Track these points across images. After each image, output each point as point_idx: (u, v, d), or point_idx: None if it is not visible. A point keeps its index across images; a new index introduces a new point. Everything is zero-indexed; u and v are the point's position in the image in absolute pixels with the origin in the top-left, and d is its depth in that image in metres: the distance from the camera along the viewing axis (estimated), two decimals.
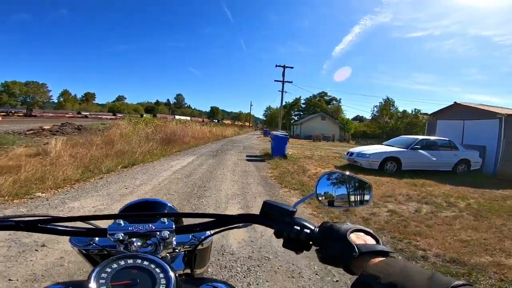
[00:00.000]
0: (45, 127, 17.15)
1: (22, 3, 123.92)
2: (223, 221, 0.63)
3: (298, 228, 0.56)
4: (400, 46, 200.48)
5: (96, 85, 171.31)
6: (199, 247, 0.68)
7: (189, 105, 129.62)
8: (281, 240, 0.58)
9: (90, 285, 0.42)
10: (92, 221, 0.64)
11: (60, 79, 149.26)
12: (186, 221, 0.71)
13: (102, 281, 0.44)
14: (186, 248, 0.68)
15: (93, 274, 0.44)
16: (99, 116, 55.21)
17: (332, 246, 0.53)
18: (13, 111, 48.58)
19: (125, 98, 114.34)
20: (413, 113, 30.68)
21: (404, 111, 31.27)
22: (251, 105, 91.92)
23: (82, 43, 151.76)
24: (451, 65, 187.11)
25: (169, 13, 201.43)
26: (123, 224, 0.58)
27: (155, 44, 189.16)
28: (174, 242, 0.61)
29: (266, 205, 0.61)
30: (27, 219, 0.56)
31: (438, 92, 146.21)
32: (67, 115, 48.46)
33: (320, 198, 0.67)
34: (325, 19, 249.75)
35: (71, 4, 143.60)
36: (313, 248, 0.57)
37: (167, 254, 0.64)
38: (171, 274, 0.46)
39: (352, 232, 0.53)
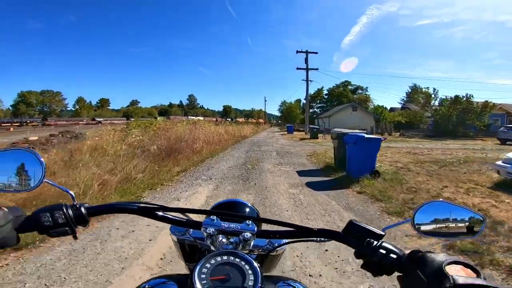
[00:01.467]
0: (31, 139, 14.28)
1: (32, 12, 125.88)
2: (302, 233, 0.63)
3: (384, 252, 0.53)
4: (411, 34, 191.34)
5: (110, 91, 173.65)
6: (273, 253, 0.71)
7: (202, 106, 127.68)
8: None
9: (194, 279, 0.48)
10: (188, 214, 0.71)
11: (73, 87, 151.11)
12: (265, 227, 0.70)
13: (203, 276, 0.49)
14: (260, 251, 0.70)
15: (196, 270, 0.49)
16: (113, 121, 54.07)
17: (420, 276, 0.47)
18: (28, 121, 47.66)
19: (139, 102, 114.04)
20: (465, 98, 25.21)
21: (457, 96, 25.84)
22: (265, 101, 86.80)
23: (92, 50, 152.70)
24: (468, 51, 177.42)
25: (171, 13, 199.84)
26: (215, 220, 0.63)
27: (164, 46, 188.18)
28: (252, 244, 0.64)
29: (352, 225, 0.59)
30: (146, 206, 0.64)
31: (459, 78, 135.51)
32: (81, 122, 47.30)
33: (416, 226, 0.60)
34: (332, 11, 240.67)
35: (79, 11, 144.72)
36: (395, 274, 0.53)
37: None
38: (258, 271, 0.51)
39: (449, 263, 0.47)
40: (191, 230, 0.72)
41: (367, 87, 58.60)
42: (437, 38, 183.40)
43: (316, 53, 26.81)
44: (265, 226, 0.73)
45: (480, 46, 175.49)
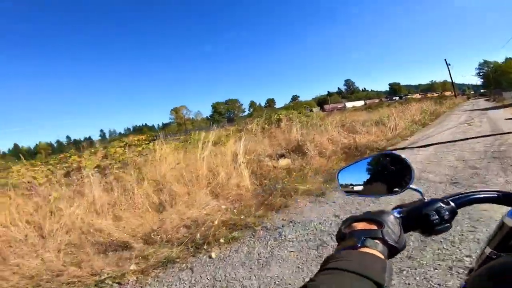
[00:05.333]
0: None
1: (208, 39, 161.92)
2: None
3: None
4: None
5: (273, 91, 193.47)
6: None
7: (364, 88, 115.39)
8: None
9: None
10: None
11: (244, 92, 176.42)
12: None
13: None
14: None
15: None
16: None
17: None
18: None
19: (299, 97, 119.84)
20: None
21: None
22: (448, 65, 52.88)
23: (250, 54, 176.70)
24: None
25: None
26: None
27: (317, 38, 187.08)
28: None
29: None
30: (506, 192, 0.57)
31: None
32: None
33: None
34: None
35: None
36: None
37: None
38: None
39: None
40: None
41: None
42: None
43: None
44: None
45: None
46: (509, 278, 0.40)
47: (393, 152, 0.65)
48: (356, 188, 0.65)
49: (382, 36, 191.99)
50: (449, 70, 61.04)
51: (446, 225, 0.52)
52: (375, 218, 0.48)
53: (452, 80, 53.64)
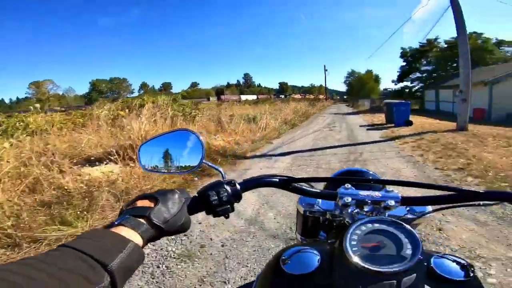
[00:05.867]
0: None
1: (99, 7, 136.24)
2: (459, 197, 0.56)
3: None
4: None
5: (171, 75, 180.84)
6: (415, 222, 0.64)
7: (259, 84, 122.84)
8: None
9: (346, 246, 0.45)
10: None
11: (137, 72, 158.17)
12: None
13: (353, 242, 0.46)
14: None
15: (348, 236, 0.46)
16: None
17: None
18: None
19: (198, 84, 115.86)
20: None
21: None
22: (325, 70, 62.47)
23: (152, 34, 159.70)
24: None
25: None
26: (351, 189, 0.58)
27: (222, 29, 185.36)
28: (387, 214, 0.57)
29: None
30: (284, 178, 0.62)
31: None
32: None
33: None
34: None
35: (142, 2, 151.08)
36: None
37: None
38: (419, 240, 0.45)
39: None
40: (320, 202, 0.69)
41: None
42: None
43: None
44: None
45: None
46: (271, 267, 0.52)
47: (188, 129, 0.65)
48: (156, 164, 0.64)
49: (281, 37, 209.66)
50: (325, 76, 71.44)
51: (226, 206, 0.53)
52: (154, 195, 0.48)
53: (325, 85, 63.45)
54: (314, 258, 0.50)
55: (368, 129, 10.52)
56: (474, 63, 9.17)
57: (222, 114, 10.37)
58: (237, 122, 8.46)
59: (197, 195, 0.54)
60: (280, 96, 76.55)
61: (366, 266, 0.42)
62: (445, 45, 31.27)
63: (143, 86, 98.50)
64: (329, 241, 0.61)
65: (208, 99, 52.29)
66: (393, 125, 10.62)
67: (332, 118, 16.38)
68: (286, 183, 0.61)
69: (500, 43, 30.09)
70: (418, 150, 5.92)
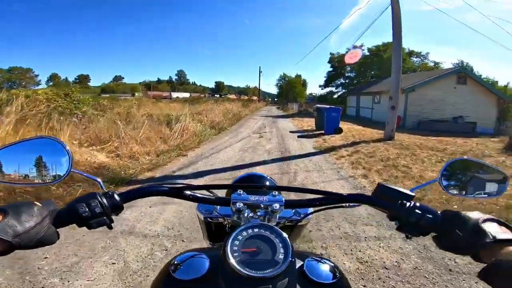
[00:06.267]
0: None
1: None
2: (331, 199, 0.62)
3: (420, 212, 0.52)
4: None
5: (90, 67, 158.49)
6: (300, 223, 0.72)
7: (194, 82, 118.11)
8: None
9: (227, 252, 0.46)
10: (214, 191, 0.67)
11: (48, 63, 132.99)
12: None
13: (235, 248, 0.47)
14: (287, 223, 0.71)
15: (229, 243, 0.47)
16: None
17: (458, 234, 0.48)
18: None
19: (123, 78, 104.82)
20: None
21: None
22: (260, 72, 63.53)
23: (70, 23, 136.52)
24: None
25: None
26: (242, 194, 0.60)
27: (157, 22, 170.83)
28: (278, 216, 0.61)
29: (381, 188, 0.59)
30: (174, 186, 0.60)
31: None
32: None
33: (444, 185, 0.62)
34: None
35: None
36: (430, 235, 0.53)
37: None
38: (289, 244, 0.48)
39: (484, 221, 0.48)
40: (218, 207, 0.72)
41: (427, 53, 37.12)
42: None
43: None
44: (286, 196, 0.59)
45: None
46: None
47: (51, 136, 0.59)
48: (14, 174, 0.56)
49: (218, 37, 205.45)
50: (259, 78, 72.59)
51: (101, 218, 0.51)
52: (3, 208, 0.45)
53: (259, 87, 64.16)
54: (204, 263, 0.54)
55: (299, 136, 9.85)
56: (389, 71, 9.55)
57: (135, 113, 8.20)
58: (141, 125, 6.44)
59: (66, 207, 0.52)
60: (215, 95, 74.61)
61: (243, 271, 0.43)
62: (367, 53, 34.75)
63: (53, 77, 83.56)
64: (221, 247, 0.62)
65: (133, 95, 47.09)
66: (323, 131, 10.28)
67: (263, 122, 15.62)
68: (178, 191, 0.61)
69: (411, 53, 35.34)
70: (359, 168, 5.25)
